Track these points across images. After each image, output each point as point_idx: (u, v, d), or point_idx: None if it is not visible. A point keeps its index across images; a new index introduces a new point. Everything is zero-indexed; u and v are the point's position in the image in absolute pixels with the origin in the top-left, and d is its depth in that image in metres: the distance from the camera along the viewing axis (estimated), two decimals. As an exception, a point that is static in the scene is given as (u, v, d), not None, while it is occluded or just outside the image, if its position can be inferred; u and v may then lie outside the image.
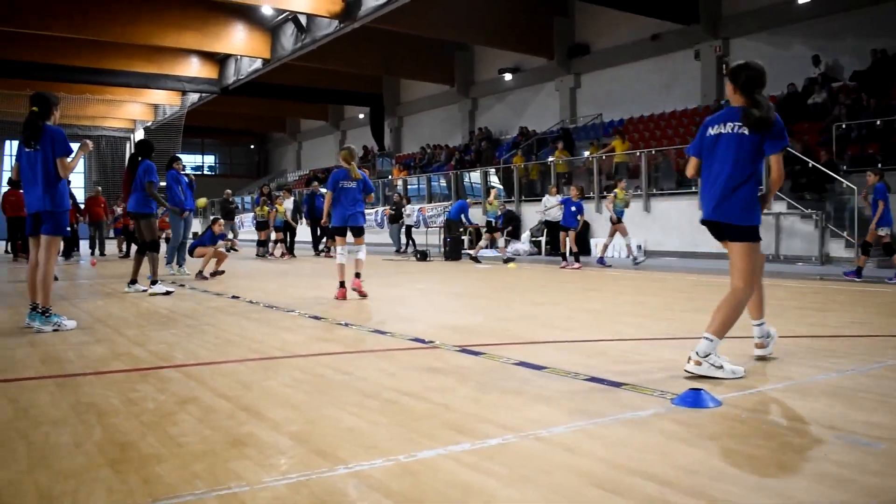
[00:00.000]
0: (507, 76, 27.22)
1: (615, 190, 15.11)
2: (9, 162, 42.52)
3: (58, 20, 22.91)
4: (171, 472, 2.65)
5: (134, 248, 18.96)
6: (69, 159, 6.12)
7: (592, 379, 4.09)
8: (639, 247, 16.67)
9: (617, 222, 14.96)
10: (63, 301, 8.46)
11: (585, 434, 3.08)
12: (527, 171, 21.74)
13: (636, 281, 11.28)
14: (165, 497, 2.42)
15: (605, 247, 15.36)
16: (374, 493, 2.46)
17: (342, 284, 8.54)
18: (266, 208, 20.28)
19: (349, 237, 8.65)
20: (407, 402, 3.65)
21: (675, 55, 21.82)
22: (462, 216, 18.82)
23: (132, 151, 9.38)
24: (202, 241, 12.89)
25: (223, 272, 12.12)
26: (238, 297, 8.73)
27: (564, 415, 3.37)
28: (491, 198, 17.51)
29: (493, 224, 17.30)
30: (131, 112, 39.43)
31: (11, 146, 42.86)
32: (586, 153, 20.99)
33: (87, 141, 6.56)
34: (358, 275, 8.61)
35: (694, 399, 3.53)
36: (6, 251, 19.82)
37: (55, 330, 6.01)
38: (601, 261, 14.90)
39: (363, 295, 8.54)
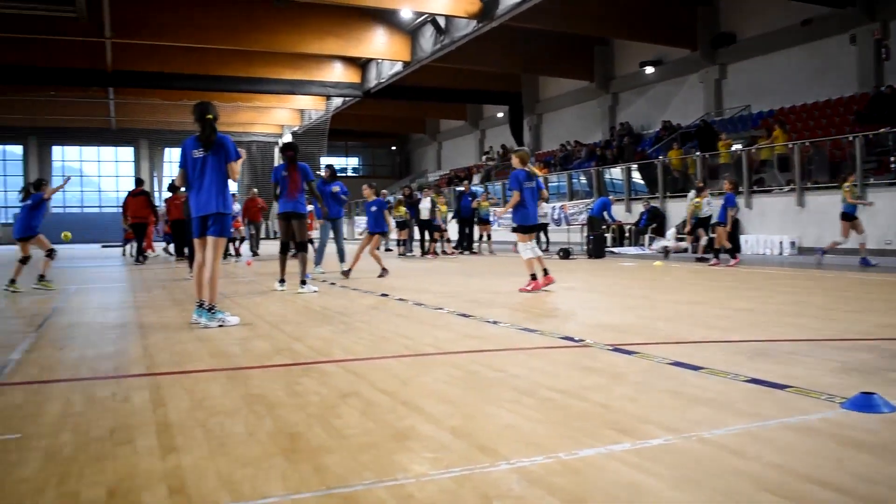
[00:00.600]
0: (649, 69, 26.60)
1: (847, 184, 13.44)
2: (169, 168, 45.20)
3: (210, 33, 24.17)
4: (339, 462, 2.75)
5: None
6: (237, 164, 6.52)
7: (753, 380, 3.95)
8: (792, 243, 15.90)
9: (850, 219, 13.35)
10: (225, 299, 8.93)
11: (751, 437, 2.98)
12: (685, 164, 21.17)
13: (792, 279, 10.79)
14: (337, 486, 2.51)
15: (862, 246, 13.40)
16: (537, 489, 2.47)
17: (534, 277, 9.12)
18: (403, 208, 20.65)
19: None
20: (563, 400, 3.64)
21: (828, 41, 20.68)
22: (604, 213, 18.57)
23: (289, 153, 9.72)
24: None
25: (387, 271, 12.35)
26: (387, 295, 8.94)
27: (727, 416, 3.27)
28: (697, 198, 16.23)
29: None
30: (279, 118, 41.07)
31: (170, 153, 45.56)
32: (737, 146, 20.20)
33: (243, 150, 6.90)
34: (546, 270, 9.19)
35: (866, 403, 3.34)
36: (167, 252, 21.00)
37: (220, 326, 6.34)
38: (865, 261, 13.01)
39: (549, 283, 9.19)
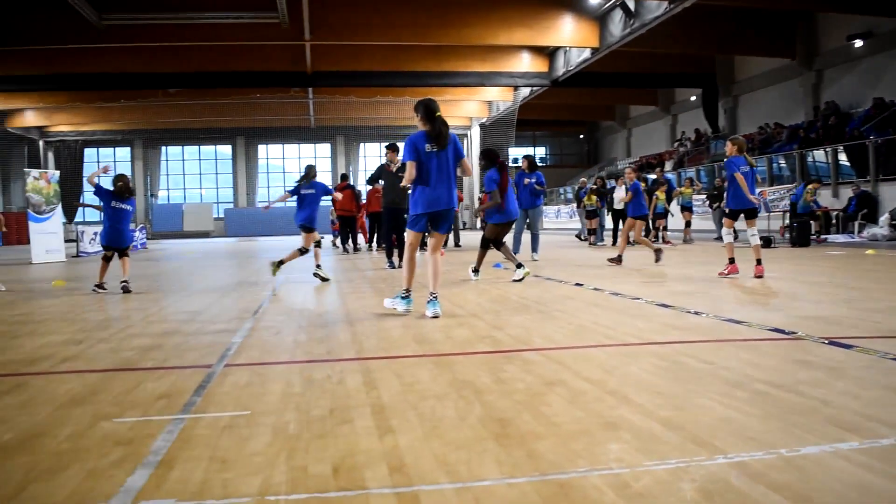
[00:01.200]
0: (857, 43, 24.70)
1: None
2: (364, 163, 47.00)
3: (402, 30, 24.88)
4: (551, 448, 2.77)
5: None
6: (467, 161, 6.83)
7: None
8: None
9: None
10: (423, 288, 9.19)
11: None
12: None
13: None
14: (551, 472, 2.53)
15: None
16: (759, 485, 2.38)
17: (732, 261, 9.40)
18: (594, 197, 20.39)
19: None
20: (778, 394, 3.48)
21: None
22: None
23: (499, 160, 9.98)
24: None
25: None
26: (581, 285, 8.87)
27: (970, 416, 3.00)
28: None
29: None
30: (468, 110, 41.71)
31: (364, 149, 47.39)
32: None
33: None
34: (759, 261, 9.29)
35: None
36: (334, 245, 21.66)
37: (434, 317, 6.40)
38: None
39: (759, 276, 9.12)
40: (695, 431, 2.92)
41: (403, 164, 11.18)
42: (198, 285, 10.22)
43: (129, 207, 9.72)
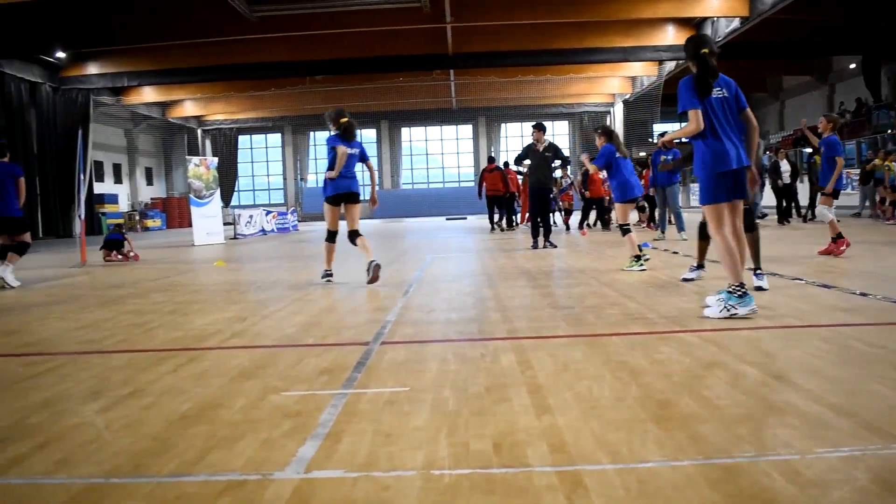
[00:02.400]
0: None
1: None
2: (505, 143, 46.92)
3: (542, 8, 24.59)
4: (714, 432, 2.71)
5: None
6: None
7: None
8: None
9: None
10: (571, 268, 9.15)
11: None
12: None
13: None
14: (717, 456, 2.48)
15: None
16: (945, 476, 2.24)
17: (840, 236, 9.01)
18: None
19: None
20: (960, 379, 3.26)
21: None
22: None
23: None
24: None
25: None
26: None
27: None
28: None
29: None
30: (610, 87, 40.86)
31: (506, 129, 47.36)
32: None
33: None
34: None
35: None
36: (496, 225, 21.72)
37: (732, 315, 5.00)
38: None
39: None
40: (868, 418, 2.79)
41: (551, 144, 10.89)
42: (350, 265, 10.54)
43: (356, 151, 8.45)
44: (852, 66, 32.88)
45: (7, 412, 3.40)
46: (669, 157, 13.10)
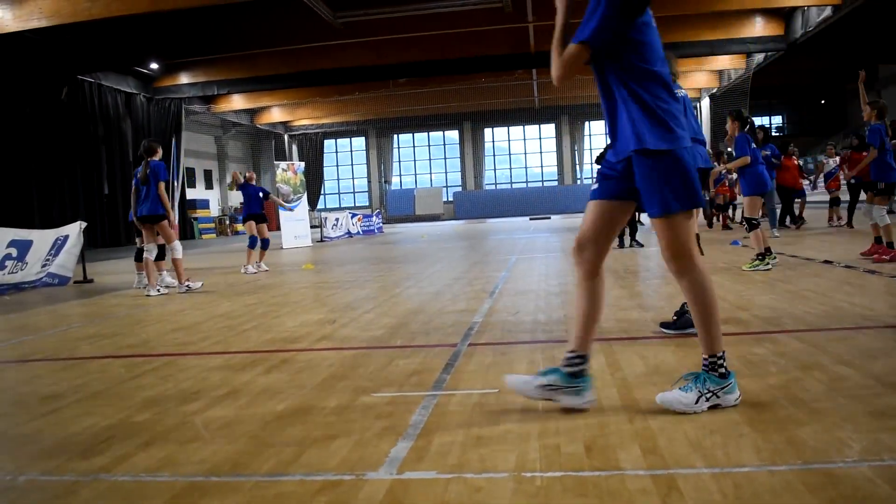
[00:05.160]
0: None
1: None
2: (589, 142, 46.44)
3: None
4: (814, 436, 2.64)
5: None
6: None
7: None
8: None
9: None
10: (657, 267, 9.01)
11: None
12: None
13: None
14: (816, 461, 2.41)
15: None
16: None
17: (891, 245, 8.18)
18: None
19: None
20: None
21: None
22: None
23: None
24: None
25: None
26: (830, 263, 8.30)
27: None
28: None
29: None
30: (696, 81, 39.98)
31: (590, 127, 46.85)
32: None
33: None
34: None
35: None
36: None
37: None
38: None
39: None
40: (979, 423, 2.67)
41: None
42: (435, 267, 10.60)
43: None
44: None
45: (112, 412, 3.55)
46: (768, 153, 12.77)
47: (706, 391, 3.06)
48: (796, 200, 15.80)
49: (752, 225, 8.27)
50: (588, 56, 3.07)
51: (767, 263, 7.99)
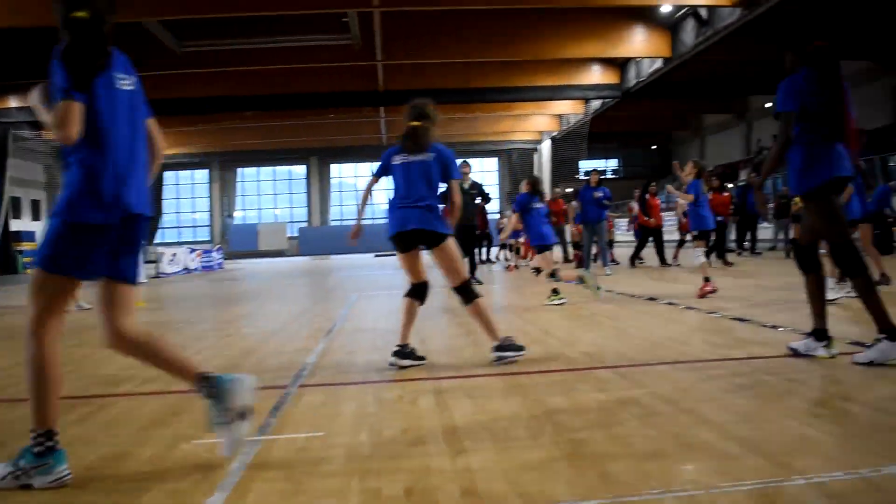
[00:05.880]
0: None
1: None
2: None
3: (473, 48, 24.99)
4: (624, 470, 2.73)
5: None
6: None
7: None
8: None
9: None
10: (496, 305, 9.20)
11: None
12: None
13: None
14: (625, 494, 2.50)
15: None
16: (840, 507, 2.31)
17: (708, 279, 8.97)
18: None
19: None
20: (860, 411, 3.38)
21: None
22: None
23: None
24: None
25: None
26: (655, 299, 8.76)
27: None
28: None
29: None
30: (538, 124, 41.55)
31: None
32: None
33: None
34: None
35: None
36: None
37: None
38: None
39: None
40: (773, 452, 2.85)
41: (474, 182, 10.97)
42: (274, 305, 10.39)
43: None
44: (768, 104, 34.12)
45: None
46: (601, 195, 13.37)
47: (19, 469, 2.86)
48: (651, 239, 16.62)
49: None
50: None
51: (561, 298, 8.85)
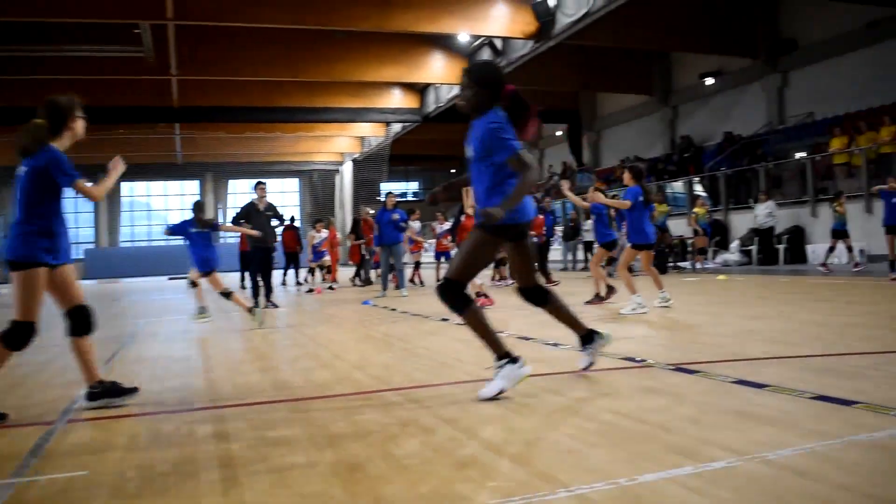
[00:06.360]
0: (709, 80, 26.14)
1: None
2: (234, 200, 45.98)
3: (272, 67, 24.71)
4: (398, 493, 2.75)
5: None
6: None
7: (820, 397, 3.84)
8: (861, 251, 15.64)
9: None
10: (289, 328, 9.07)
11: (817, 457, 2.89)
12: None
13: (868, 289, 10.48)
14: (395, 518, 2.52)
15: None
16: (596, 517, 2.44)
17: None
18: None
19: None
20: (624, 423, 3.59)
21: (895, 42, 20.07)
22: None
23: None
24: None
25: None
26: (447, 320, 8.94)
27: (792, 436, 3.18)
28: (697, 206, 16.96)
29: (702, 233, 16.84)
30: (339, 146, 41.64)
31: (234, 185, 46.47)
32: (800, 154, 19.83)
33: None
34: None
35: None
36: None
37: None
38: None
39: None
40: (541, 466, 2.97)
41: (269, 203, 10.78)
42: (49, 332, 9.68)
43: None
44: (559, 133, 36.07)
45: None
46: (396, 217, 13.56)
47: None
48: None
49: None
50: None
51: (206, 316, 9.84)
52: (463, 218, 15.82)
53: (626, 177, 9.31)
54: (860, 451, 2.94)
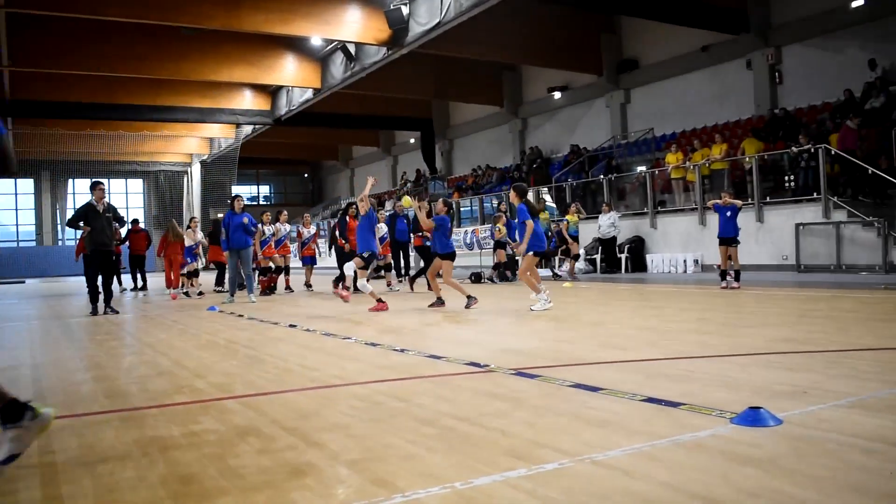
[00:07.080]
0: (557, 94, 27.15)
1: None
2: (73, 200, 43.68)
3: (115, 62, 23.67)
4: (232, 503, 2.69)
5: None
6: None
7: (650, 399, 4.04)
8: (695, 261, 16.60)
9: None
10: (128, 335, 8.69)
11: (643, 457, 3.04)
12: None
13: (701, 296, 11.11)
14: (227, 530, 2.46)
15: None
16: (430, 521, 2.47)
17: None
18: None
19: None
20: (463, 428, 3.65)
21: (726, 65, 21.52)
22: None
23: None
24: None
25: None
26: (295, 326, 8.83)
27: (622, 437, 3.33)
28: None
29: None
30: (188, 146, 40.34)
31: (74, 185, 44.13)
32: (640, 168, 20.89)
33: None
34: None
35: (753, 418, 3.45)
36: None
37: None
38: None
39: None
40: (378, 472, 2.98)
41: (110, 205, 10.43)
42: None
43: None
44: (412, 140, 36.40)
45: None
46: (246, 221, 13.28)
47: None
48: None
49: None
50: None
51: None
52: (347, 219, 15.68)
53: (512, 195, 9.89)
54: (684, 451, 3.10)
